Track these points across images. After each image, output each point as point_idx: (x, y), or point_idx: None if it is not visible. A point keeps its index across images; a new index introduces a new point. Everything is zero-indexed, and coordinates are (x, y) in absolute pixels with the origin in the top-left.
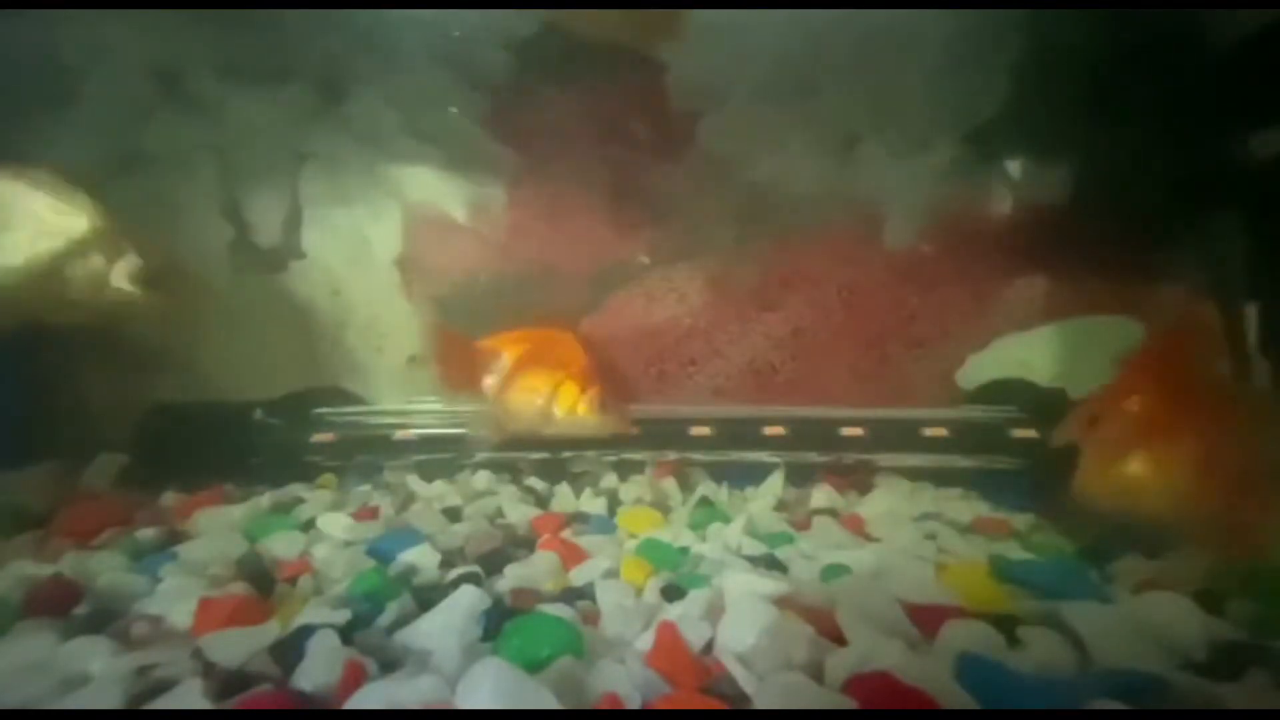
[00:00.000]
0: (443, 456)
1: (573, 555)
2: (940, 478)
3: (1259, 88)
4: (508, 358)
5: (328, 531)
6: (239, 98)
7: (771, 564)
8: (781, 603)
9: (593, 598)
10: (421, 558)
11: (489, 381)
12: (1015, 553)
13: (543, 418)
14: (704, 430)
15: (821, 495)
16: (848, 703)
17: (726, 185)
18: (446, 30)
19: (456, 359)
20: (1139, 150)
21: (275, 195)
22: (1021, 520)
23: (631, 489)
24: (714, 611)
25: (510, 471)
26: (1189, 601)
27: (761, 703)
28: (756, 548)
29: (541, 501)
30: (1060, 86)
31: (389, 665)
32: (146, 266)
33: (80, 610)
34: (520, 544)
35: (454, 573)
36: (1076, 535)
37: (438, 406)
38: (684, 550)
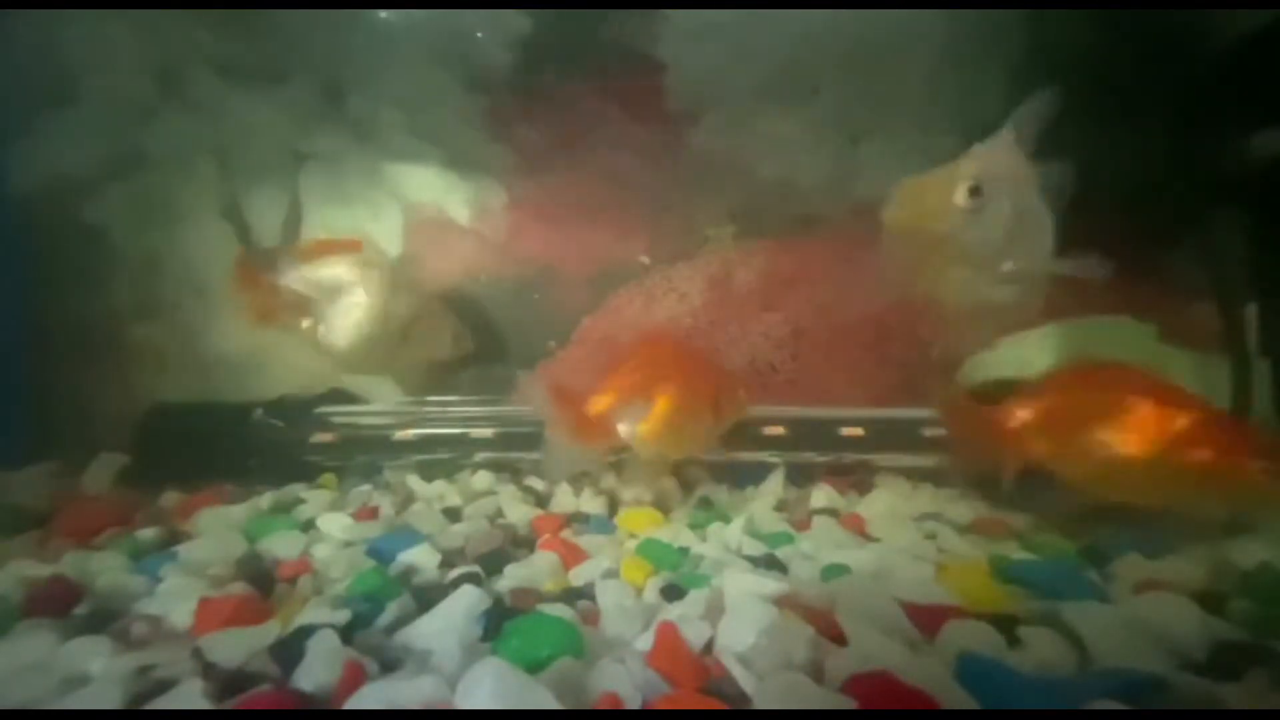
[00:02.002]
0: (443, 456)
1: (573, 555)
2: (940, 478)
3: (1259, 88)
4: (643, 398)
5: (328, 531)
6: (239, 98)
7: (771, 564)
8: (781, 603)
9: (593, 598)
10: (421, 558)
11: (625, 428)
12: (1015, 553)
13: (704, 437)
14: None
15: (821, 495)
16: (848, 703)
17: (726, 185)
18: (451, 30)
19: (578, 417)
20: (1139, 150)
21: (275, 195)
22: (1021, 520)
23: (631, 489)
24: (714, 611)
25: (510, 471)
26: (1189, 601)
27: (761, 703)
28: (756, 548)
29: (541, 501)
30: (1060, 86)
31: (389, 665)
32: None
33: (80, 610)
34: (520, 544)
35: (454, 573)
36: (1075, 535)
37: (437, 407)
38: (684, 550)
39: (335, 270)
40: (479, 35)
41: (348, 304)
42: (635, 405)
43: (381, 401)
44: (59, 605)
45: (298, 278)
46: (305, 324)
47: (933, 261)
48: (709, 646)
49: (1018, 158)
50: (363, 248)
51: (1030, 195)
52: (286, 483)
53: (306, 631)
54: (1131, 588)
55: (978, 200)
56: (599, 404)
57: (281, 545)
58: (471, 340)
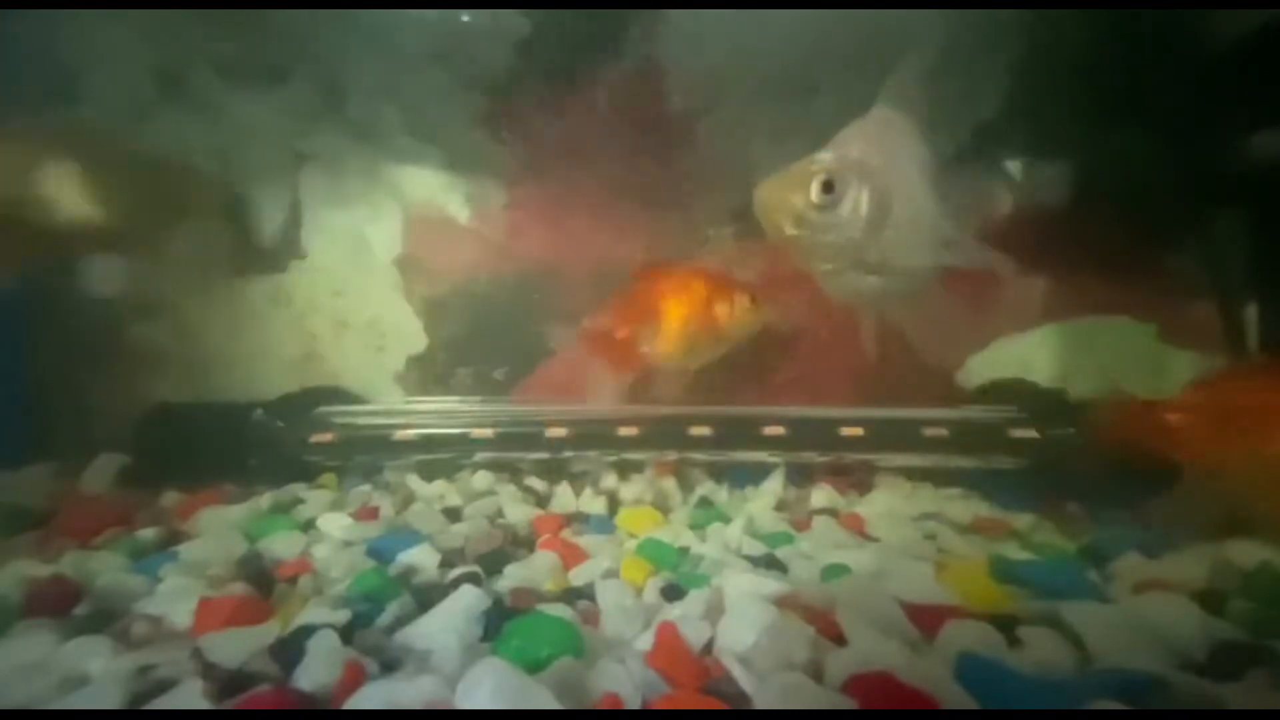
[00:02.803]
0: (443, 456)
1: (573, 555)
2: (940, 478)
3: (1259, 88)
4: (654, 314)
5: (328, 531)
6: (239, 98)
7: (771, 564)
8: (781, 603)
9: (593, 598)
10: (421, 558)
11: (646, 349)
12: (1015, 553)
13: (714, 339)
14: (704, 430)
15: (821, 495)
16: (848, 703)
17: (726, 185)
18: (451, 30)
19: (610, 351)
20: (1139, 150)
21: (275, 195)
22: (1021, 520)
23: (631, 489)
24: (714, 611)
25: (510, 471)
26: (1189, 601)
27: (761, 703)
28: (756, 548)
29: (541, 501)
30: (1060, 86)
31: (389, 665)
32: None
33: (80, 610)
34: (520, 544)
35: (454, 573)
36: (1077, 535)
37: (438, 406)
38: (684, 550)
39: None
40: (464, 18)
41: None
42: (648, 326)
43: (381, 401)
44: (59, 605)
45: None
46: None
47: (807, 256)
48: (709, 646)
49: (892, 134)
50: None
51: (904, 175)
52: (286, 483)
53: (306, 631)
54: (1131, 588)
55: (833, 195)
56: (620, 333)
57: (281, 545)
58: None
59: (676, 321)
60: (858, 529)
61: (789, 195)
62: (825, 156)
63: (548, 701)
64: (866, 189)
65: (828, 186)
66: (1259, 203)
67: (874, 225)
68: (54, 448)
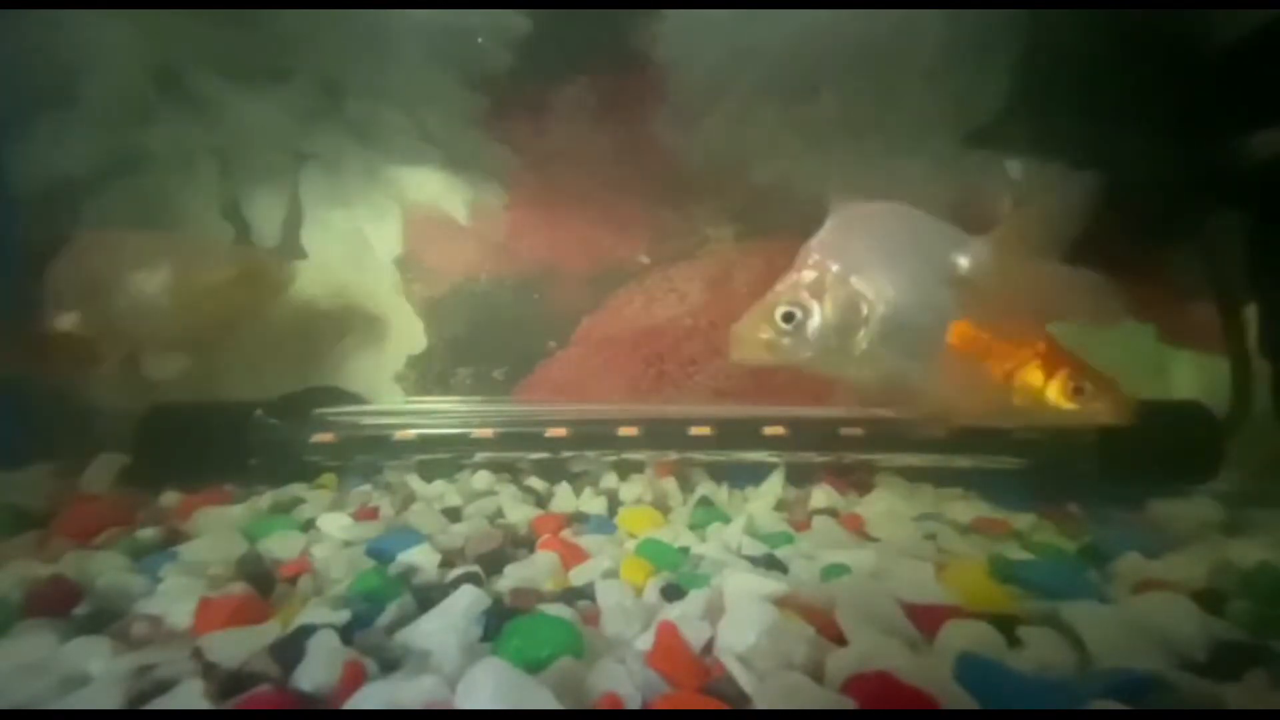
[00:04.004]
0: (443, 456)
1: (573, 555)
2: (940, 478)
3: (1259, 88)
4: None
5: (328, 531)
6: (239, 98)
7: (771, 564)
8: (781, 603)
9: (593, 598)
10: (421, 558)
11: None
12: (1015, 553)
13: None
14: (704, 430)
15: (821, 495)
16: (848, 703)
17: (726, 185)
18: (451, 30)
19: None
20: (1139, 150)
21: (275, 195)
22: (1021, 520)
23: (631, 489)
24: (714, 611)
25: (510, 471)
26: (1189, 601)
27: (761, 703)
28: (756, 548)
29: (541, 501)
30: (1060, 86)
31: (389, 665)
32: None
33: (80, 610)
34: (520, 544)
35: (454, 573)
36: (1077, 535)
37: (437, 406)
38: (684, 550)
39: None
40: (479, 40)
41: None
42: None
43: (381, 401)
44: (59, 605)
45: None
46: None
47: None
48: (709, 646)
49: (849, 236)
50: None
51: (868, 271)
52: (286, 483)
53: (306, 631)
54: (1131, 588)
55: (795, 321)
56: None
57: (281, 545)
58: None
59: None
60: (858, 529)
61: (757, 332)
62: (781, 288)
63: (548, 701)
64: (828, 303)
65: (788, 316)
66: (1259, 203)
67: (846, 334)
68: (54, 448)
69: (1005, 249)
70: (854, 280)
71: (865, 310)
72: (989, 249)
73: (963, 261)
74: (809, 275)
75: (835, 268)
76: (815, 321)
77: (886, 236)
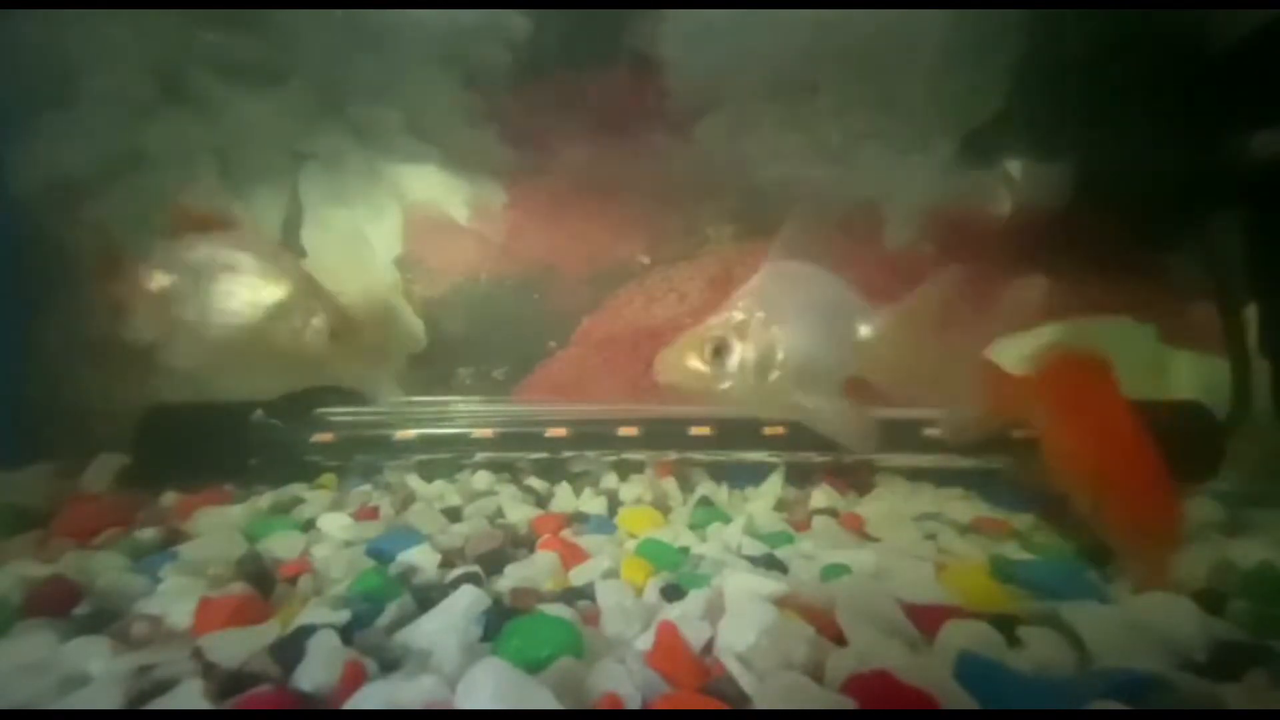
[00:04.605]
0: (443, 456)
1: (573, 555)
2: (940, 478)
3: (1259, 88)
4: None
5: (328, 531)
6: (239, 98)
7: (771, 564)
8: (781, 603)
9: (593, 598)
10: (421, 558)
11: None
12: (1015, 553)
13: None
14: (704, 430)
15: (821, 495)
16: (848, 703)
17: (726, 185)
18: (451, 30)
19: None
20: (1139, 150)
21: (275, 195)
22: (1021, 520)
23: (631, 489)
24: (714, 611)
25: (510, 471)
26: (1189, 601)
27: (761, 703)
28: (756, 548)
29: (541, 501)
30: (1060, 86)
31: (389, 665)
32: (332, 320)
33: (80, 610)
34: (520, 544)
35: (454, 573)
36: (1077, 535)
37: (437, 407)
38: (684, 550)
39: (204, 251)
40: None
41: (218, 288)
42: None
43: (381, 401)
44: (59, 605)
45: (165, 260)
46: (170, 310)
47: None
48: (709, 646)
49: (777, 288)
50: (238, 226)
51: (787, 324)
52: (286, 483)
53: (306, 631)
54: (1131, 588)
55: (723, 356)
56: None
57: (281, 545)
58: (356, 342)
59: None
60: (858, 529)
61: (685, 360)
62: (714, 323)
63: (548, 701)
64: (751, 344)
65: (716, 350)
66: (1259, 203)
67: (761, 372)
68: (54, 448)
69: (898, 324)
70: (775, 328)
71: (780, 355)
72: (885, 322)
73: (864, 329)
74: (738, 316)
75: (761, 314)
76: (736, 358)
77: (807, 295)
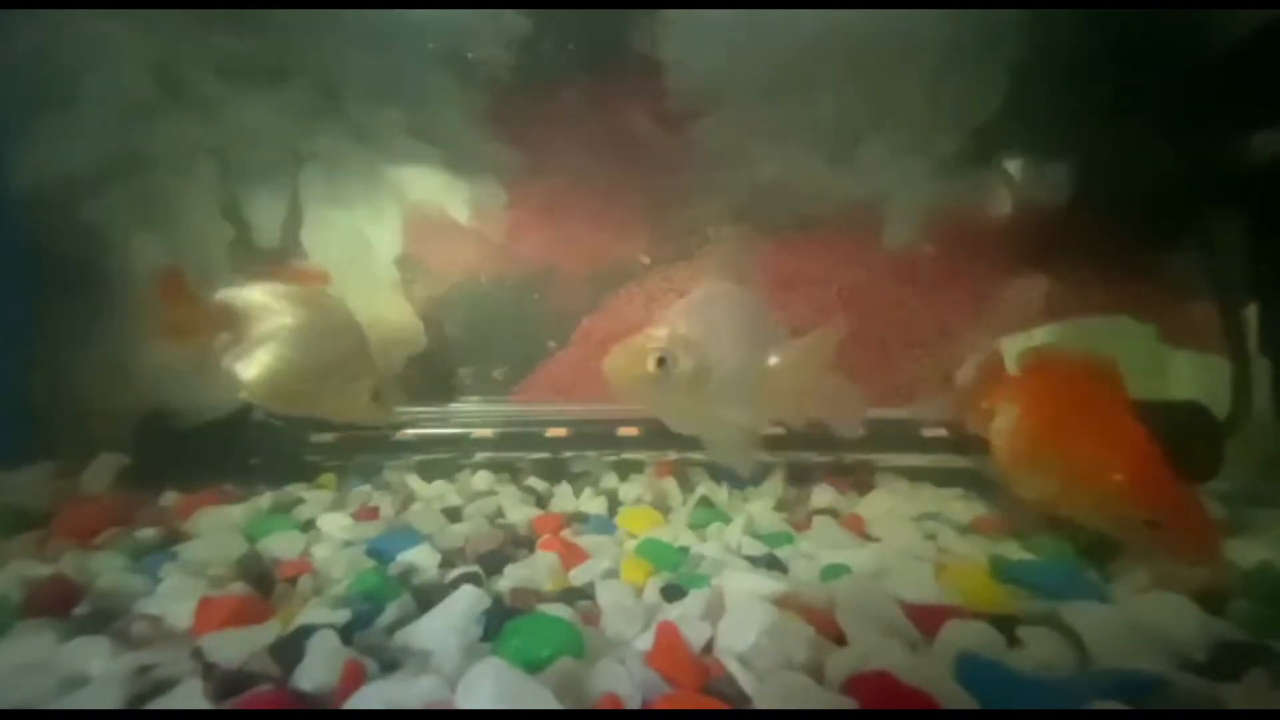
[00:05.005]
0: (443, 456)
1: (573, 555)
2: (940, 478)
3: (1259, 88)
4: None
5: (328, 531)
6: (239, 98)
7: (771, 564)
8: (781, 603)
9: (593, 598)
10: (421, 558)
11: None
12: (1015, 553)
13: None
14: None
15: (821, 495)
16: (848, 703)
17: (726, 185)
18: (451, 30)
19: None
20: (1139, 150)
21: (275, 195)
22: (1022, 520)
23: (631, 489)
24: (714, 611)
25: (510, 471)
26: (1189, 601)
27: (761, 703)
28: (756, 548)
29: (541, 501)
30: (1060, 86)
31: (389, 665)
32: (374, 384)
33: (80, 610)
34: (520, 544)
35: (454, 573)
36: (1077, 535)
37: (437, 407)
38: (684, 550)
39: (268, 297)
40: (469, 56)
41: (268, 335)
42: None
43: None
44: (59, 605)
45: (234, 294)
46: (220, 340)
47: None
48: (709, 646)
49: (715, 308)
50: (328, 280)
51: (722, 344)
52: (286, 483)
53: (306, 631)
54: (1132, 588)
55: (664, 367)
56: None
57: (281, 545)
58: (390, 405)
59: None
60: (858, 529)
61: (630, 368)
62: (660, 334)
63: (548, 701)
64: (691, 359)
65: (660, 361)
66: (1259, 203)
67: (696, 387)
68: (54, 448)
69: (800, 358)
70: (710, 344)
71: (712, 371)
72: (790, 353)
73: (773, 358)
74: (681, 329)
75: (698, 331)
76: (675, 371)
77: (738, 316)
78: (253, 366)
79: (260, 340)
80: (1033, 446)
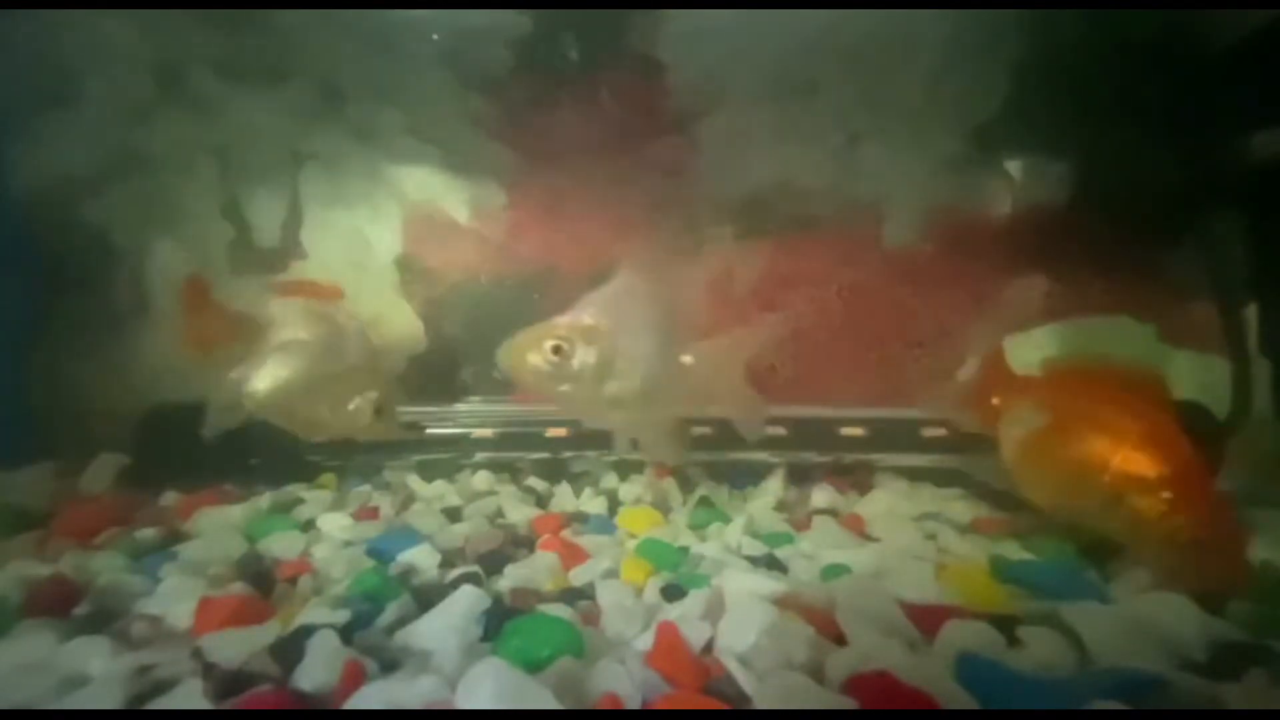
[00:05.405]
0: (443, 456)
1: (573, 555)
2: (940, 478)
3: (1259, 88)
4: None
5: (328, 531)
6: (239, 98)
7: (771, 564)
8: (781, 603)
9: (593, 598)
10: (421, 558)
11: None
12: (1015, 553)
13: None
14: (704, 430)
15: (821, 495)
16: (848, 703)
17: (726, 185)
18: (451, 30)
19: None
20: (1139, 150)
21: (275, 195)
22: (1022, 520)
23: (631, 489)
24: (714, 611)
25: (510, 471)
26: (1189, 601)
27: (761, 703)
28: (756, 548)
29: (541, 501)
30: (1060, 86)
31: (389, 665)
32: (380, 398)
33: (80, 610)
34: (520, 544)
35: (454, 573)
36: (1077, 535)
37: (438, 407)
38: (684, 550)
39: (283, 311)
40: (434, 37)
41: (279, 348)
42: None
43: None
44: (59, 605)
45: (254, 306)
46: (238, 352)
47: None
48: (709, 646)
49: (625, 301)
50: (341, 296)
51: (629, 337)
52: (286, 483)
53: (306, 631)
54: (1132, 588)
55: (561, 356)
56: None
57: (281, 545)
58: (394, 421)
59: (1056, 449)
60: (858, 529)
61: (526, 355)
62: (561, 322)
63: (548, 701)
64: (594, 350)
65: (556, 350)
66: (1259, 203)
67: (598, 379)
68: (54, 448)
69: (710, 357)
70: (620, 338)
71: (621, 365)
72: (703, 352)
73: (686, 357)
74: (586, 320)
75: (607, 323)
76: (577, 361)
77: (652, 311)
78: (263, 379)
79: (271, 354)
80: (1063, 454)
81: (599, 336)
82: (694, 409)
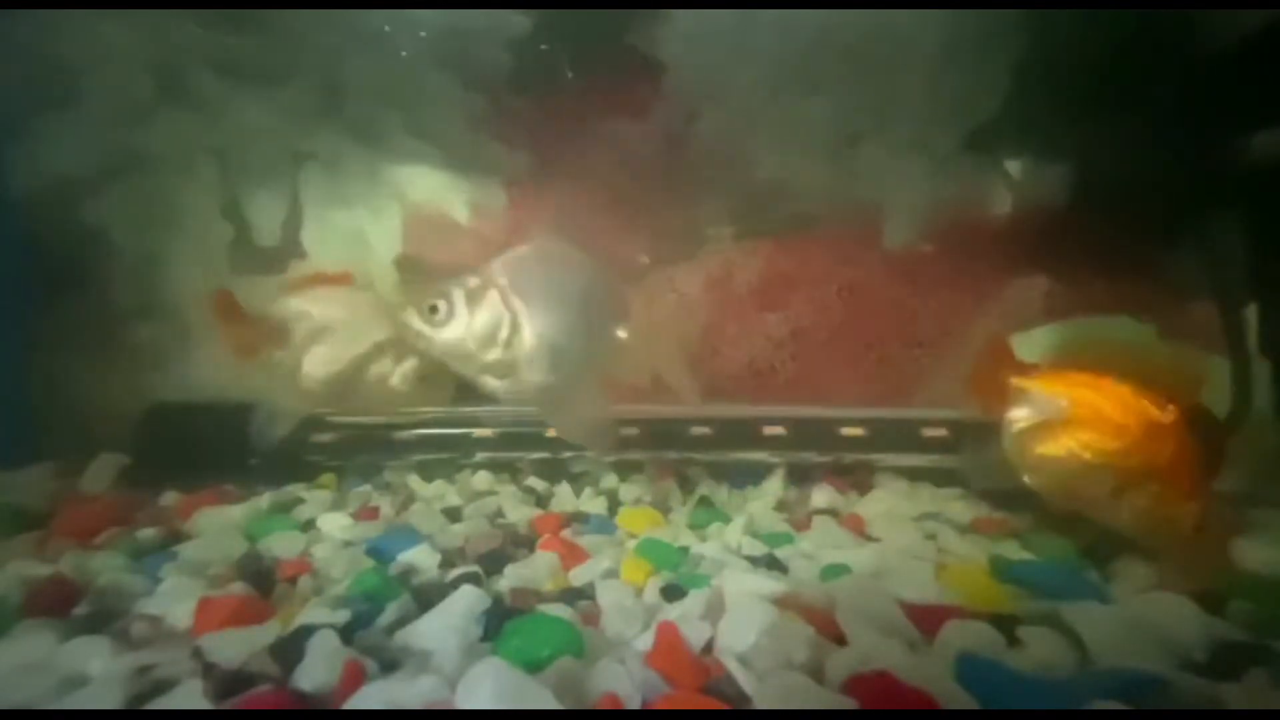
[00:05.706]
0: (443, 456)
1: (573, 555)
2: (940, 478)
3: (1259, 88)
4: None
5: (328, 531)
6: (239, 98)
7: (771, 564)
8: (781, 603)
9: (593, 598)
10: (421, 558)
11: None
12: (1015, 553)
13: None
14: (704, 430)
15: (821, 495)
16: (848, 703)
17: (726, 185)
18: (451, 30)
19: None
20: (1139, 150)
21: (275, 195)
22: (1021, 520)
23: (631, 489)
24: (714, 611)
25: (510, 471)
26: (1189, 601)
27: (761, 703)
28: (756, 548)
29: (541, 501)
30: (1060, 86)
31: (389, 665)
32: (420, 367)
33: (80, 610)
34: (520, 544)
35: (454, 573)
36: (1076, 535)
37: (438, 407)
38: (684, 550)
39: (319, 303)
40: (422, 34)
41: (328, 337)
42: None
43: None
44: (59, 605)
45: (284, 307)
46: (280, 354)
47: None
48: (709, 646)
49: (544, 265)
50: (351, 281)
51: (544, 303)
52: (286, 483)
53: (306, 631)
54: (1132, 588)
55: (438, 315)
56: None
57: (281, 545)
58: (444, 384)
59: (1064, 441)
60: (858, 529)
61: (402, 310)
62: (445, 283)
63: (548, 701)
64: (480, 312)
65: (433, 308)
66: (1258, 203)
67: (487, 341)
68: (54, 448)
69: (646, 332)
70: (516, 302)
71: (507, 331)
72: (637, 329)
73: (620, 332)
74: (474, 282)
75: (504, 282)
76: (460, 323)
77: (570, 280)
78: (317, 365)
79: (313, 340)
80: (1068, 442)
81: (488, 299)
82: (630, 379)
